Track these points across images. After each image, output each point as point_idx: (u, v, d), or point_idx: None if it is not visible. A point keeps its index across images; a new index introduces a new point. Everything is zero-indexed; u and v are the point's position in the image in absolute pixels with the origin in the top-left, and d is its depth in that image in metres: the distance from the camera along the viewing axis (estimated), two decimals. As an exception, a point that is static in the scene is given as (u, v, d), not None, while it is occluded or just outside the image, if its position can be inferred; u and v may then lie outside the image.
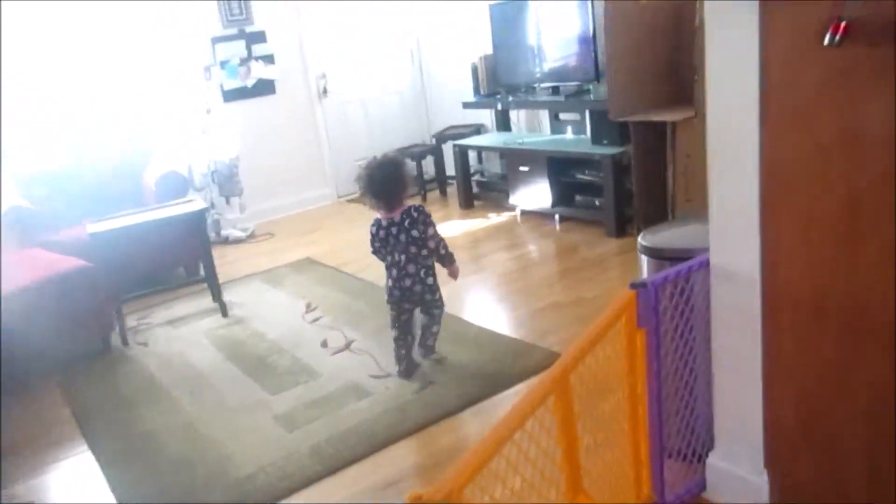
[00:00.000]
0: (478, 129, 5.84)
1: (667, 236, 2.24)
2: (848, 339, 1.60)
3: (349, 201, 6.32)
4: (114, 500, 2.46)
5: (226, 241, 5.50)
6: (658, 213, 4.00)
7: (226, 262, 4.93)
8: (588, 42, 4.50)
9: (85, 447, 2.82)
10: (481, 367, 3.01)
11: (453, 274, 3.08)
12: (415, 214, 2.91)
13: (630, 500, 1.86)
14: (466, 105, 5.64)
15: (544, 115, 5.33)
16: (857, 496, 1.70)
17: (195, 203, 4.10)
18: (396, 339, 3.03)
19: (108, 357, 3.63)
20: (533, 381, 2.79)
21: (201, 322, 3.96)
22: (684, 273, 1.86)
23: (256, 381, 3.17)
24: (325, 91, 6.21)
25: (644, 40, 4.01)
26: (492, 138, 5.47)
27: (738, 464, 1.90)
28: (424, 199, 5.91)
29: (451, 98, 6.17)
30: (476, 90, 5.57)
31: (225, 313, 3.99)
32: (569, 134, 5.07)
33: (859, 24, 1.37)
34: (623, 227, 4.35)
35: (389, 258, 2.97)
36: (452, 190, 5.87)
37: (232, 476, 2.48)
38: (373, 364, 3.16)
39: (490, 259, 3.91)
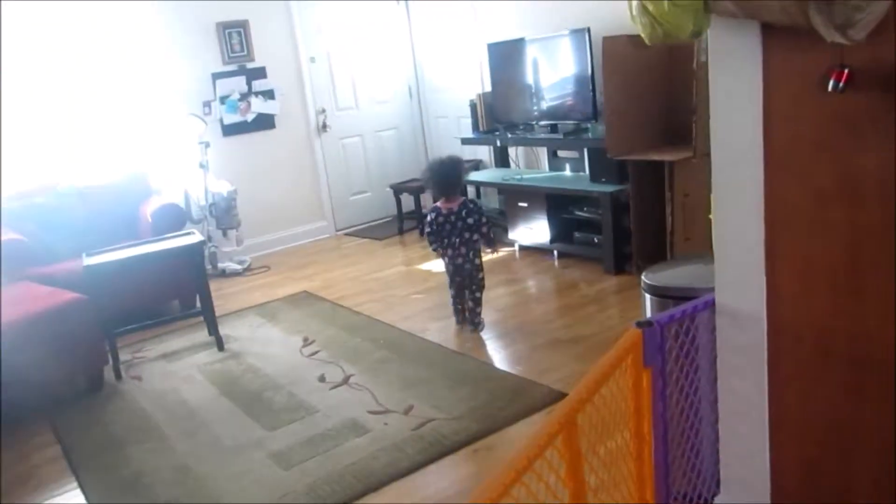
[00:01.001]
0: (476, 165, 5.87)
1: (669, 275, 2.24)
2: (853, 383, 1.58)
3: (347, 235, 6.32)
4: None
5: (222, 274, 5.47)
6: (656, 250, 4.00)
7: (222, 295, 4.89)
8: (586, 82, 4.54)
9: (75, 485, 2.76)
10: (480, 404, 2.97)
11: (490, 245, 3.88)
12: (471, 205, 3.68)
13: (635, 544, 1.82)
14: (465, 141, 5.68)
15: (542, 152, 5.37)
16: (865, 542, 1.67)
17: (193, 236, 4.08)
18: (454, 297, 3.80)
19: (101, 392, 3.57)
20: (533, 419, 2.77)
21: (196, 356, 3.91)
22: (689, 312, 1.85)
23: (252, 417, 3.13)
24: (324, 126, 6.26)
25: (642, 80, 4.06)
26: (490, 174, 5.50)
27: (745, 508, 1.86)
28: (422, 233, 5.91)
29: (449, 134, 6.22)
30: (475, 127, 5.62)
31: (221, 347, 3.95)
32: (567, 171, 5.11)
33: (860, 72, 1.39)
34: (621, 264, 4.35)
35: (446, 241, 3.64)
36: (450, 225, 5.87)
37: (226, 516, 2.43)
38: (371, 399, 3.12)
39: (488, 294, 3.91)
